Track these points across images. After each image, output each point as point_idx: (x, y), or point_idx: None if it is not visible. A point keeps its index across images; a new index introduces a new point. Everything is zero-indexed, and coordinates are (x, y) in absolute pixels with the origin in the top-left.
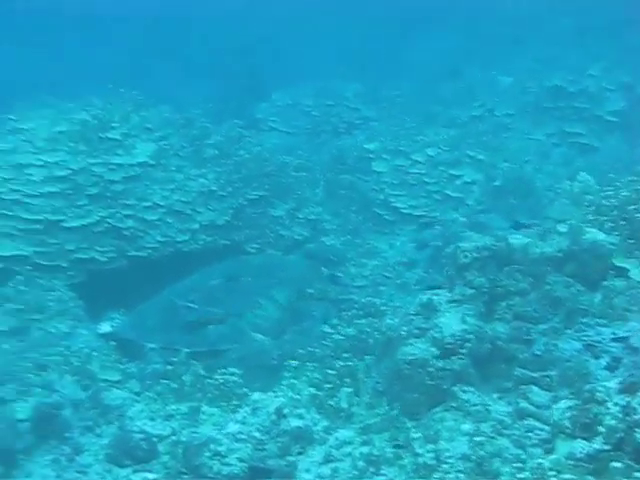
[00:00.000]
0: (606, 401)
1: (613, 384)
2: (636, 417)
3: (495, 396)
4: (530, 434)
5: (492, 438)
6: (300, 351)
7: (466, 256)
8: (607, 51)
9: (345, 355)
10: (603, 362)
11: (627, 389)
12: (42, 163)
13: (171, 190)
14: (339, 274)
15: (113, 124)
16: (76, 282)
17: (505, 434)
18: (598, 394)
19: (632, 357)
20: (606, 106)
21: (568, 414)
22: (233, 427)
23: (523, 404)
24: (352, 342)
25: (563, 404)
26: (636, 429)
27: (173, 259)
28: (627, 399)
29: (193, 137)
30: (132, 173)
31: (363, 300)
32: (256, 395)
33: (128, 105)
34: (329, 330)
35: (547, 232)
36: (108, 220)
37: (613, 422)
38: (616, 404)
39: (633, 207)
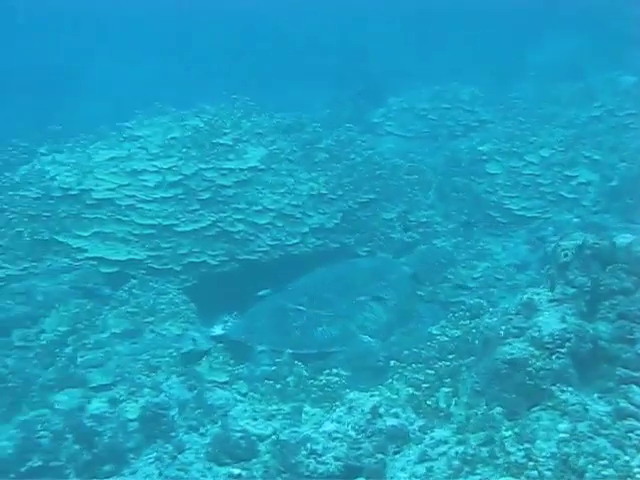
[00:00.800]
0: None
1: None
2: None
3: (595, 396)
4: (630, 434)
5: (589, 438)
6: (405, 352)
7: (566, 254)
8: None
9: (450, 356)
10: None
11: None
12: (156, 169)
13: (281, 194)
14: (450, 276)
15: (225, 130)
16: (188, 285)
17: (603, 434)
18: None
19: None
20: None
21: None
22: (329, 426)
23: (623, 404)
24: (457, 343)
25: None
26: None
27: (283, 262)
28: None
29: (304, 141)
30: (243, 177)
31: (471, 302)
32: (352, 394)
33: (239, 111)
34: (436, 332)
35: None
36: (219, 224)
37: None
38: None
39: None
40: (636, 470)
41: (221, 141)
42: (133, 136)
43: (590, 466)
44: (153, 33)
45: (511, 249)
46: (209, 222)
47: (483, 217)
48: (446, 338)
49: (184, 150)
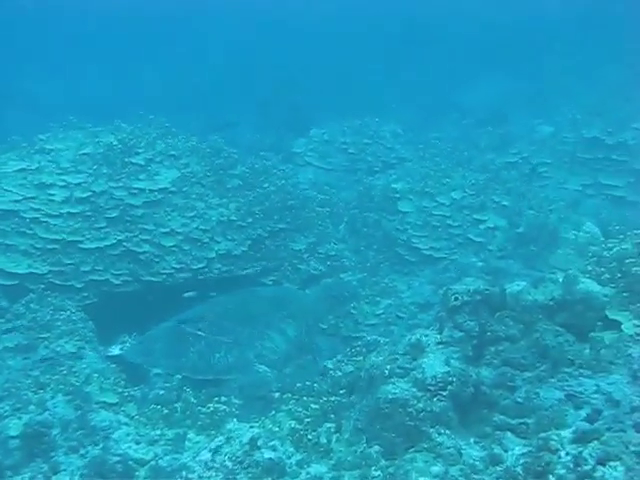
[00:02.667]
0: (559, 450)
1: (568, 433)
2: (586, 468)
3: (472, 440)
4: None
5: None
6: (298, 385)
7: (457, 298)
8: None
9: (341, 392)
10: (583, 413)
11: (580, 439)
12: (65, 184)
13: (190, 217)
14: (353, 311)
15: (138, 149)
16: (89, 303)
17: (474, 479)
18: (552, 442)
19: (612, 410)
20: None
21: (522, 461)
22: (206, 455)
23: (497, 450)
24: (349, 379)
25: (518, 450)
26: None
27: (187, 286)
28: (579, 449)
29: (218, 166)
30: (153, 198)
31: (369, 338)
32: (232, 425)
33: (155, 131)
34: (331, 366)
35: (542, 280)
36: (125, 244)
37: (563, 471)
38: (568, 453)
39: (631, 260)
40: None
41: (133, 160)
42: (45, 149)
43: None
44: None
45: (416, 288)
46: (115, 241)
47: (392, 254)
48: (339, 373)
49: (95, 167)
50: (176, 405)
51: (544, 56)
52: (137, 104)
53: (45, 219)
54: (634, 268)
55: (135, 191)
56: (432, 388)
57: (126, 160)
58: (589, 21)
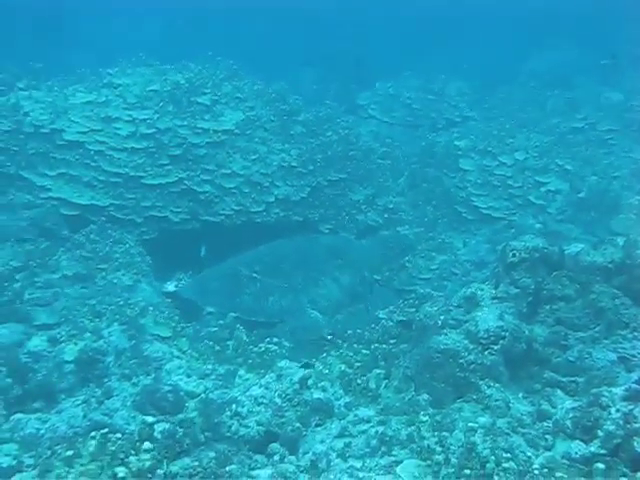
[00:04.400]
0: (609, 406)
1: (619, 391)
2: (636, 425)
3: (520, 395)
4: (547, 436)
5: (506, 434)
6: (349, 332)
7: (514, 255)
8: None
9: (391, 341)
10: (635, 376)
11: (631, 397)
12: (130, 119)
13: (252, 161)
14: (407, 264)
15: (205, 90)
16: (147, 238)
17: (520, 432)
18: (603, 398)
19: None
20: None
21: (571, 415)
22: (257, 391)
23: (545, 406)
24: (400, 329)
25: (568, 405)
26: (635, 437)
27: (245, 228)
28: (630, 406)
29: (283, 112)
30: (216, 139)
31: (422, 291)
32: (283, 363)
33: (222, 73)
34: (383, 316)
35: (602, 242)
36: (186, 182)
37: (612, 427)
38: (618, 410)
39: None
40: (535, 467)
41: (199, 100)
42: (113, 83)
43: (492, 457)
44: None
45: (472, 246)
46: (176, 178)
47: (450, 211)
48: (391, 323)
49: (161, 104)
50: (228, 343)
51: (615, 27)
52: (204, 47)
53: (109, 152)
54: None
55: (199, 131)
56: (484, 341)
57: (192, 99)
58: None
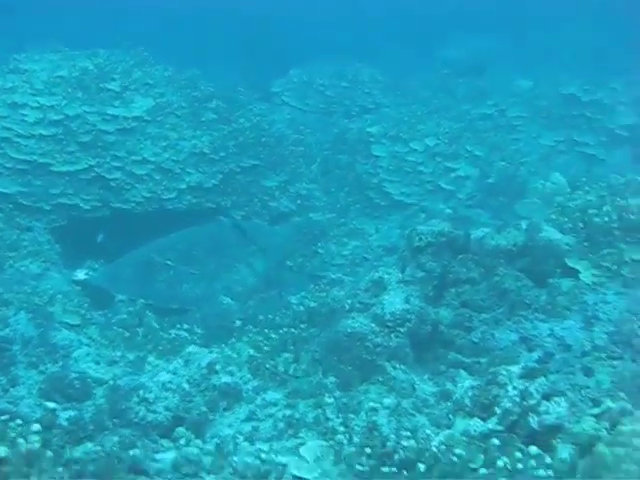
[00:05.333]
0: (507, 384)
1: (516, 368)
2: (531, 402)
3: (426, 376)
4: (450, 416)
5: (410, 415)
6: (260, 317)
7: (421, 239)
8: (633, 65)
9: (302, 326)
10: (535, 355)
11: (528, 374)
12: (38, 105)
13: (163, 147)
14: (320, 250)
15: (114, 76)
16: (56, 226)
17: (424, 412)
18: (501, 377)
19: (564, 354)
20: (619, 120)
21: (470, 393)
22: (164, 376)
23: (449, 386)
24: (311, 314)
25: (467, 384)
26: (530, 413)
27: (156, 216)
28: (526, 384)
29: (194, 98)
30: (126, 126)
31: (333, 276)
32: (191, 348)
33: (133, 59)
34: (294, 301)
35: (506, 226)
36: (96, 169)
37: (509, 405)
38: (515, 388)
39: (594, 211)
40: (434, 444)
41: (109, 86)
42: (19, 69)
43: (393, 436)
44: None
45: (384, 231)
46: (86, 166)
47: (362, 197)
48: (302, 308)
49: (69, 90)
50: (138, 329)
51: (529, 18)
52: (120, 36)
53: (16, 139)
54: (596, 219)
55: (108, 117)
56: (390, 324)
57: (101, 86)
58: None
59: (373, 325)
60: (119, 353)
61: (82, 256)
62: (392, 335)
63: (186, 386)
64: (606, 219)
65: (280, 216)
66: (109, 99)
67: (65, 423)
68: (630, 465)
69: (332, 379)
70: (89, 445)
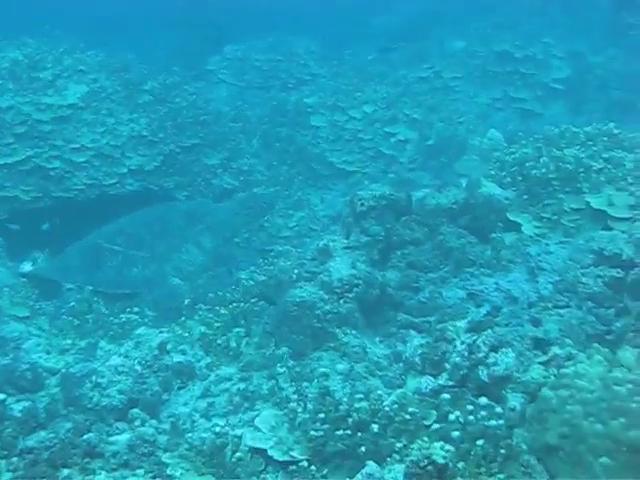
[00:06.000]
0: (454, 339)
1: (463, 323)
2: (480, 355)
3: (377, 339)
4: (403, 376)
5: (364, 378)
6: (210, 295)
7: (362, 204)
8: (567, 20)
9: (252, 300)
10: (483, 310)
11: (474, 328)
12: None
13: (100, 133)
14: (266, 224)
15: (45, 64)
16: None
17: (377, 375)
18: (448, 332)
19: (511, 306)
20: (553, 73)
21: (419, 351)
22: (116, 360)
23: (401, 347)
24: (261, 288)
25: (416, 342)
26: (479, 366)
27: (100, 202)
28: (473, 338)
29: (128, 82)
30: (61, 114)
31: (281, 249)
32: (141, 330)
33: (62, 46)
34: (244, 276)
35: (446, 185)
36: (34, 160)
37: (458, 359)
38: (463, 342)
39: (531, 164)
40: (386, 404)
41: (41, 75)
42: None
43: (345, 399)
44: None
45: (329, 201)
46: (23, 157)
47: (305, 168)
48: (252, 282)
49: (0, 82)
50: (88, 316)
51: None
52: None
53: None
54: (534, 171)
55: (43, 107)
56: (338, 290)
57: (33, 75)
58: None
59: (321, 293)
60: (70, 341)
61: (27, 248)
62: (341, 301)
63: (138, 368)
64: (543, 170)
65: (224, 193)
66: (42, 88)
67: (19, 415)
68: (574, 406)
69: (285, 349)
70: (42, 434)
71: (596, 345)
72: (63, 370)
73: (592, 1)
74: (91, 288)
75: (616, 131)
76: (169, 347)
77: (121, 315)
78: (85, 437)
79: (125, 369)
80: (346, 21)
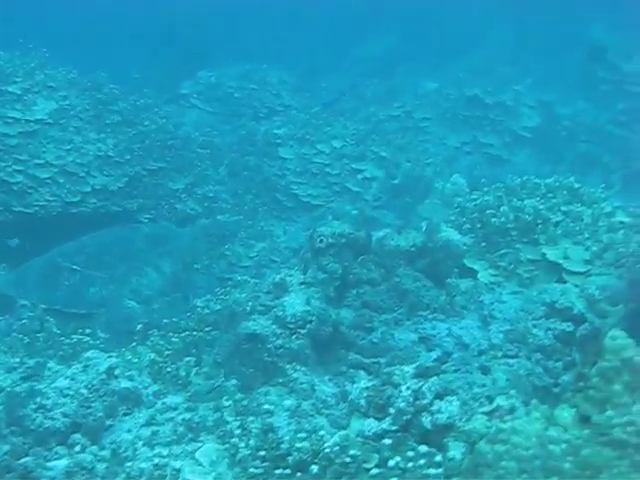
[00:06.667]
0: (400, 384)
1: (411, 368)
2: (424, 402)
3: (326, 378)
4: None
5: (310, 416)
6: (165, 321)
7: (322, 240)
8: (540, 68)
9: (207, 329)
10: (434, 355)
11: (421, 374)
12: None
13: (66, 151)
14: (227, 252)
15: (15, 78)
16: None
17: (324, 413)
18: (395, 377)
19: (461, 352)
20: (522, 121)
21: (365, 394)
22: (62, 382)
23: (349, 387)
24: (216, 317)
25: (362, 384)
26: (423, 413)
27: (61, 219)
28: (420, 384)
29: (98, 101)
30: (28, 129)
31: (239, 278)
32: (90, 353)
33: (34, 61)
34: (200, 304)
35: (406, 227)
36: None
37: (403, 404)
38: (408, 388)
39: (491, 212)
40: (328, 445)
41: (10, 89)
42: None
43: (287, 437)
44: None
45: (292, 233)
46: None
47: (270, 199)
48: (207, 311)
49: None
50: (39, 335)
51: (436, 18)
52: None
53: None
54: (493, 219)
55: (10, 120)
56: (292, 326)
57: (2, 88)
58: None
59: (274, 327)
60: (18, 359)
61: None
62: (293, 337)
63: (84, 391)
64: (503, 219)
65: (187, 218)
66: (10, 102)
67: None
68: (509, 462)
69: (234, 381)
70: None
71: (535, 401)
72: (8, 389)
73: (566, 52)
74: (44, 306)
75: (576, 185)
76: (117, 372)
77: (73, 335)
78: (22, 461)
79: (71, 392)
80: (325, 51)
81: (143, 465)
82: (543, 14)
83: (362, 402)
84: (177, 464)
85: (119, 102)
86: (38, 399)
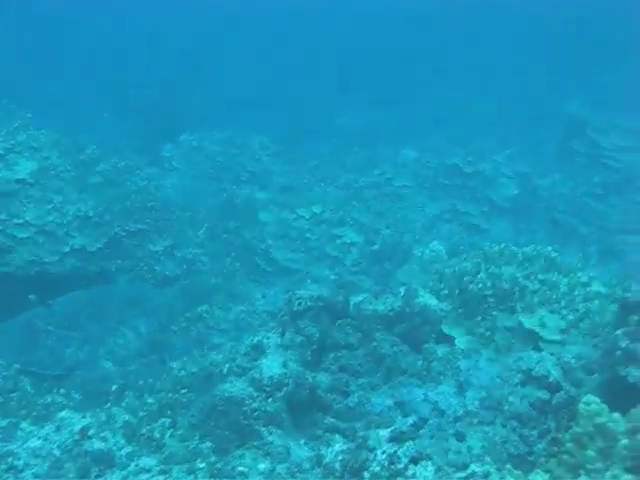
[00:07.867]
0: (376, 448)
1: (387, 432)
2: (399, 466)
3: (302, 441)
4: None
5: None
6: (140, 382)
7: (300, 304)
8: (519, 140)
9: (182, 391)
10: (410, 420)
11: (396, 438)
12: None
13: (46, 210)
14: (205, 315)
15: None
16: None
17: (299, 477)
18: (370, 441)
19: (437, 419)
20: (501, 191)
21: (340, 457)
22: (35, 442)
23: (324, 451)
24: (192, 379)
25: (338, 448)
26: (398, 477)
27: (39, 279)
28: (394, 448)
29: (80, 162)
30: (8, 188)
31: (216, 341)
32: (64, 413)
33: (17, 122)
34: (176, 366)
35: (383, 292)
36: None
37: (378, 469)
38: (384, 452)
39: (469, 278)
40: None
41: None
42: None
43: None
44: None
45: (270, 297)
46: None
47: (249, 262)
48: (183, 373)
49: None
50: (12, 394)
51: (421, 87)
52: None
53: None
54: (471, 286)
55: None
56: (268, 389)
57: None
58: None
59: (251, 389)
60: None
61: None
62: (269, 400)
63: (57, 452)
64: (480, 286)
65: (166, 280)
66: None
67: None
68: None
69: (208, 444)
70: None
71: (509, 467)
72: None
73: (545, 125)
74: (18, 366)
75: (554, 254)
76: (91, 433)
77: (46, 396)
78: None
79: (43, 452)
80: (309, 118)
81: None
82: (524, 88)
83: (337, 466)
84: None
85: (101, 163)
86: (10, 459)
